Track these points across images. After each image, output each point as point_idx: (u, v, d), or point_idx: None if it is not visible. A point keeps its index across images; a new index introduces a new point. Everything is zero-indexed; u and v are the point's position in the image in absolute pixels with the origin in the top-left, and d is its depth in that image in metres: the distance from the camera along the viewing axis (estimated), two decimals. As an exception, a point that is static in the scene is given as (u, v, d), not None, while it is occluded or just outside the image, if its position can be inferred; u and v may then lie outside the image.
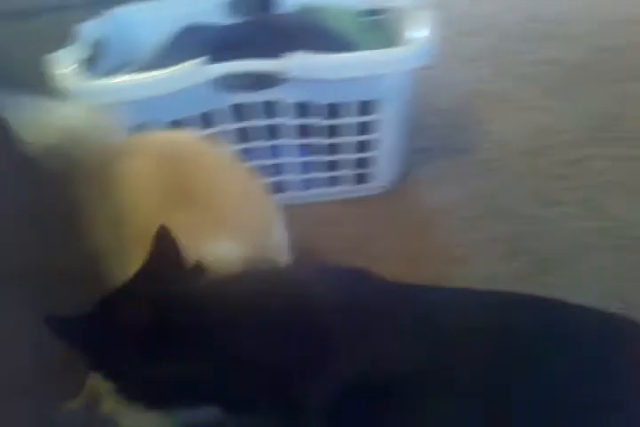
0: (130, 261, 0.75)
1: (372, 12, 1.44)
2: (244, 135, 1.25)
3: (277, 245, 0.90)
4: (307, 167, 1.32)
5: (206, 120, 1.20)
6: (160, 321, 0.66)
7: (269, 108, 1.22)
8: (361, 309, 0.70)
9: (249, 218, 0.85)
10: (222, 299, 0.70)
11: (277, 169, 1.31)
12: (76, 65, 1.14)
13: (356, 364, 0.66)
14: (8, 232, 1.25)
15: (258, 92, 1.19)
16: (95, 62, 1.26)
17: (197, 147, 0.96)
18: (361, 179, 1.35)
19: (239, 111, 1.22)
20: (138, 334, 0.66)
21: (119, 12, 1.36)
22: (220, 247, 0.78)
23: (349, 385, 0.65)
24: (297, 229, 0.92)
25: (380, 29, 1.40)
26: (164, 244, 0.72)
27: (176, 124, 1.18)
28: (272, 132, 1.25)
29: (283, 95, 1.19)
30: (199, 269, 0.73)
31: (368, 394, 0.66)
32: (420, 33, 1.16)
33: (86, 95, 1.11)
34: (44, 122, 0.97)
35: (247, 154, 1.25)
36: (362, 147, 1.28)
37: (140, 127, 1.19)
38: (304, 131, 1.25)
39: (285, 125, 1.24)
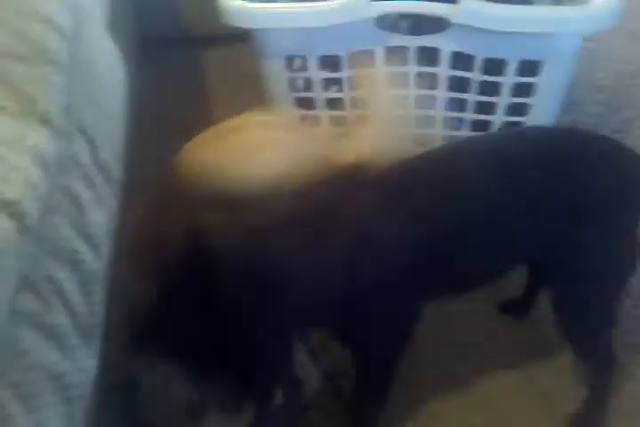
0: None
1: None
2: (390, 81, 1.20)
3: None
4: (450, 124, 1.25)
5: (354, 61, 1.16)
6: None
7: (423, 56, 1.17)
8: None
9: None
10: None
11: (419, 121, 1.26)
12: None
13: None
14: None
15: (419, 36, 1.13)
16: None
17: None
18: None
19: (391, 55, 1.17)
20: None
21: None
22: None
23: None
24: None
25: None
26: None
27: (325, 59, 1.15)
28: (419, 81, 1.20)
29: (443, 43, 1.12)
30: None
31: None
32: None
33: (244, 18, 1.09)
34: None
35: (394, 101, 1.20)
36: (512, 110, 1.21)
37: (289, 59, 1.17)
38: (455, 84, 1.19)
39: (437, 76, 1.18)
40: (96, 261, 0.61)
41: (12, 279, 0.46)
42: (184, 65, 1.47)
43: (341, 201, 0.74)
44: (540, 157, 0.81)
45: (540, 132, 0.95)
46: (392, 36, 1.14)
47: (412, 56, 1.15)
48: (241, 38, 1.27)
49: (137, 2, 1.49)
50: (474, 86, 1.17)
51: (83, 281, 0.58)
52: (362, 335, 0.81)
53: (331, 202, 0.73)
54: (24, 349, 0.47)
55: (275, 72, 1.19)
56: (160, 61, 1.43)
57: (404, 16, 1.12)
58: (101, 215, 0.66)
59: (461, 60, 1.14)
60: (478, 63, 1.13)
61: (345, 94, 1.22)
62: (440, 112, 1.23)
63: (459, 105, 1.22)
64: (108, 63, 0.83)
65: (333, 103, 1.23)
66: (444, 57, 1.14)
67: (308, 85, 1.22)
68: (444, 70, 1.16)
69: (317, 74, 1.19)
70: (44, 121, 0.59)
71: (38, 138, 0.57)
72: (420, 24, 1.14)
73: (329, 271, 0.72)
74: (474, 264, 0.82)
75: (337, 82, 1.22)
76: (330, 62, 1.18)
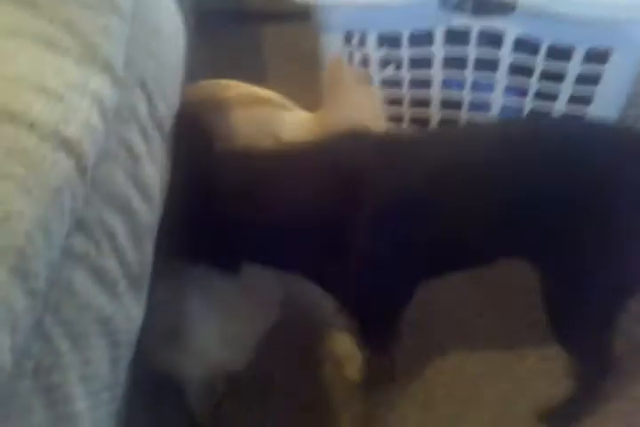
0: None
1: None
2: (448, 64, 1.17)
3: None
4: (509, 111, 1.22)
5: (414, 40, 1.14)
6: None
7: (484, 39, 1.14)
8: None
9: None
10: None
11: (475, 107, 1.23)
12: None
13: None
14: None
15: (482, 18, 1.10)
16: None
17: None
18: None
19: (452, 37, 1.15)
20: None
21: None
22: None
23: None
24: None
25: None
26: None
27: (383, 37, 1.14)
28: (479, 65, 1.17)
29: (507, 26, 1.09)
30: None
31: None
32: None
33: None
34: None
35: (445, 84, 1.18)
36: (575, 100, 1.17)
37: (348, 35, 1.15)
38: (515, 70, 1.16)
39: (497, 61, 1.15)
40: (148, 212, 0.60)
41: (68, 217, 0.45)
42: (241, 40, 1.46)
43: (345, 154, 0.78)
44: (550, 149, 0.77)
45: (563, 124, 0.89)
46: (455, 16, 1.11)
47: (473, 39, 1.13)
48: (300, 16, 1.26)
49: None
50: (536, 73, 1.14)
51: (134, 230, 0.57)
52: (349, 288, 0.81)
53: (336, 154, 0.79)
54: (75, 289, 0.46)
55: (333, 47, 1.17)
56: (217, 36, 1.42)
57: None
58: (155, 170, 0.65)
59: (525, 44, 1.11)
60: (543, 49, 1.10)
61: (402, 74, 1.20)
62: (497, 98, 1.20)
63: (518, 92, 1.19)
64: (168, 19, 0.82)
65: (389, 82, 1.22)
66: (508, 41, 1.11)
67: (365, 63, 1.20)
68: (505, 55, 1.13)
69: (375, 51, 1.17)
70: (106, 68, 0.58)
71: (100, 83, 0.56)
72: (484, 5, 1.11)
73: (321, 218, 0.76)
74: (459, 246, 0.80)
75: (394, 61, 1.20)
76: (388, 40, 1.16)
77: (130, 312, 0.54)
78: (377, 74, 1.21)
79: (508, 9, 1.07)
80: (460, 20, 1.12)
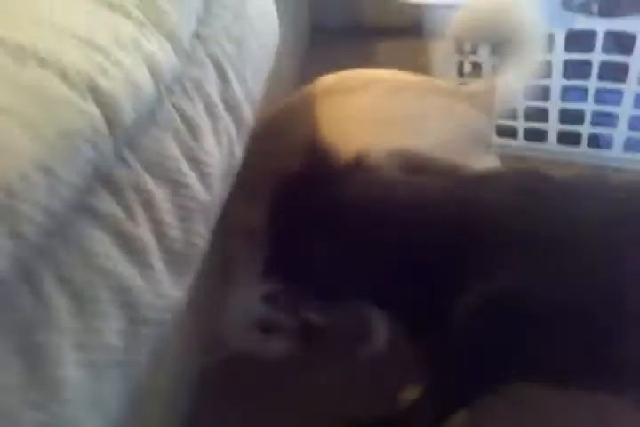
0: None
1: None
2: (571, 70, 1.07)
3: None
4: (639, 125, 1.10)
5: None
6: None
7: (610, 43, 1.04)
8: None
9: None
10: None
11: (600, 119, 1.12)
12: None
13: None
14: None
15: (611, 19, 1.00)
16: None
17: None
18: None
19: (574, 41, 1.05)
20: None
21: None
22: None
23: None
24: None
25: None
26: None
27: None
28: (604, 73, 1.07)
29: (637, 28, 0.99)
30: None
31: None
32: None
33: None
34: None
35: (566, 94, 1.08)
36: None
37: (459, 41, 1.09)
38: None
39: (627, 68, 1.04)
40: (202, 190, 0.56)
41: (85, 169, 0.41)
42: (354, 55, 1.43)
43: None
44: None
45: None
46: (579, 18, 1.02)
47: (598, 42, 1.02)
48: (414, 31, 1.22)
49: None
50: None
51: (182, 205, 0.53)
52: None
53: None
54: (87, 248, 0.41)
55: (443, 54, 1.11)
56: (331, 51, 1.40)
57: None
58: (218, 149, 0.60)
59: None
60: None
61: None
62: (625, 110, 1.08)
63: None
64: (260, 13, 0.79)
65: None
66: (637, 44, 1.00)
67: (477, 72, 1.13)
68: (637, 60, 1.02)
69: (488, 59, 1.10)
70: (170, 36, 0.56)
71: (157, 47, 0.53)
72: (612, 6, 1.01)
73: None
74: None
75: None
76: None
77: (163, 290, 0.49)
78: (489, 83, 1.12)
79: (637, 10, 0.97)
80: (585, 22, 1.02)
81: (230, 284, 0.91)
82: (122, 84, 0.46)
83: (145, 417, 0.78)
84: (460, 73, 1.16)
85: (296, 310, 0.88)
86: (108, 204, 0.44)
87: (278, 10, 0.91)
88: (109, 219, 0.44)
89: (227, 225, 0.94)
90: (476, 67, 1.12)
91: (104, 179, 0.44)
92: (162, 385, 0.83)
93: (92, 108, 0.43)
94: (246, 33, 0.73)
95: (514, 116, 1.13)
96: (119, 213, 0.45)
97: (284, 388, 0.92)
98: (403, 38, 1.43)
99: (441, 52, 1.11)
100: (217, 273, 0.88)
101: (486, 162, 0.87)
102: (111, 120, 0.44)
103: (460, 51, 1.11)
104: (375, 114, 0.86)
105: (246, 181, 0.80)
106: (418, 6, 1.11)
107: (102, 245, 0.43)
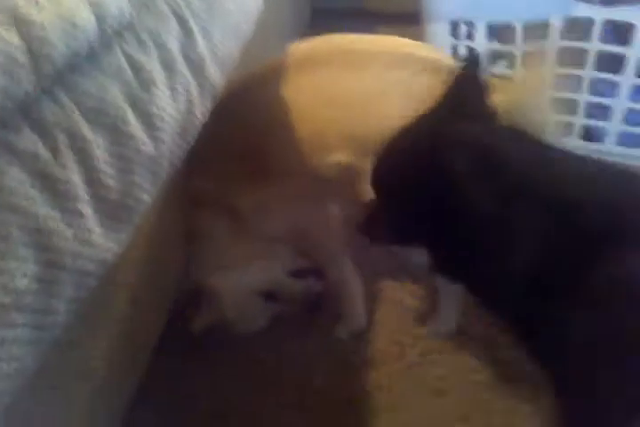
0: None
1: None
2: (570, 58, 1.04)
3: None
4: (634, 118, 1.06)
5: (535, 32, 1.03)
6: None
7: (608, 33, 1.01)
8: None
9: None
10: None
11: (596, 110, 1.08)
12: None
13: None
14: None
15: (613, 7, 0.97)
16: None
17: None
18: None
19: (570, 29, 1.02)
20: None
21: None
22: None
23: None
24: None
25: None
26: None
27: (493, 28, 1.03)
28: (603, 62, 1.03)
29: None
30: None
31: None
32: None
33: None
34: None
35: (565, 83, 1.04)
36: None
37: (455, 25, 1.06)
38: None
39: (623, 58, 1.01)
40: (149, 143, 0.54)
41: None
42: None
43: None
44: None
45: None
46: (578, 5, 0.99)
47: (596, 31, 0.99)
48: (413, 17, 1.20)
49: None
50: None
51: (123, 155, 0.51)
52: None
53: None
54: (5, 184, 0.39)
55: (438, 38, 1.08)
56: (330, 33, 1.38)
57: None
58: (174, 105, 0.58)
59: None
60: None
61: (515, 71, 1.09)
62: (620, 102, 1.05)
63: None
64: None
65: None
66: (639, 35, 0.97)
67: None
68: (635, 50, 0.99)
69: (484, 44, 1.07)
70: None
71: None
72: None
73: None
74: None
75: (505, 56, 1.09)
76: (499, 33, 1.06)
77: (91, 238, 0.46)
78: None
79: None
80: (584, 10, 0.99)
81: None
82: (55, 18, 0.44)
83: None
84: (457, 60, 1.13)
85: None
86: (29, 142, 0.42)
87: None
88: (30, 157, 0.42)
89: (190, 197, 0.93)
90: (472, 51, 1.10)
91: (27, 115, 0.42)
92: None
93: (13, 37, 0.40)
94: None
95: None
96: (44, 153, 0.43)
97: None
98: (402, 24, 1.41)
99: (436, 35, 1.08)
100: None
101: None
102: (35, 52, 0.42)
103: (455, 35, 1.08)
104: (333, 92, 0.87)
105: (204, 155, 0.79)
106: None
107: (18, 182, 0.41)
